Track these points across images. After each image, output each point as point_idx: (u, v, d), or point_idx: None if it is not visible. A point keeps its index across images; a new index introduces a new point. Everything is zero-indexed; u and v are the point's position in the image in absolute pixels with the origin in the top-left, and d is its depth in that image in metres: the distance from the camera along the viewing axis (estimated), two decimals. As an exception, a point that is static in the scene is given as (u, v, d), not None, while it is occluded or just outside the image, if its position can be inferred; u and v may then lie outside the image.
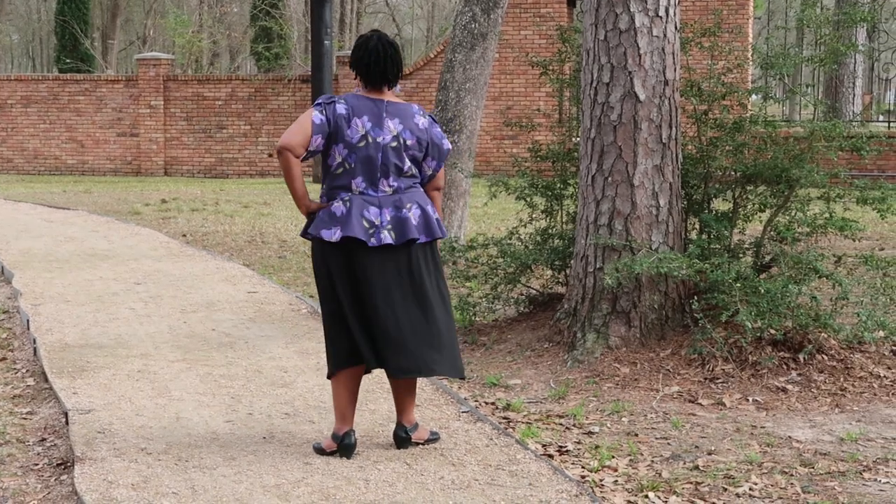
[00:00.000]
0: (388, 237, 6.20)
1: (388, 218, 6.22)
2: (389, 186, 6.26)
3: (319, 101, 6.31)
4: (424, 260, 6.36)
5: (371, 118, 6.22)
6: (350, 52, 6.30)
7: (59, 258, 13.93)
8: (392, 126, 6.25)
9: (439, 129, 6.46)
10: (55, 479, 6.19)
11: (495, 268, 9.82)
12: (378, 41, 6.30)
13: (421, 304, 6.30)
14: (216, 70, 43.87)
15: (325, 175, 6.36)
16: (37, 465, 6.46)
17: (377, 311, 6.21)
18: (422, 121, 6.37)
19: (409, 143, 6.28)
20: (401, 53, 6.41)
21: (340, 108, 6.22)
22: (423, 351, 6.25)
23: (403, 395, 6.45)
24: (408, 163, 6.30)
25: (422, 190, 6.42)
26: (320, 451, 6.32)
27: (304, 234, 6.37)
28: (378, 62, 6.26)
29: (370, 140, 6.20)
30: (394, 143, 6.24)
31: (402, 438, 6.41)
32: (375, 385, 7.70)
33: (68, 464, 6.35)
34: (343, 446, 6.26)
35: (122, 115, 30.14)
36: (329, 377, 6.41)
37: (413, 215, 6.27)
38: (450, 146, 6.55)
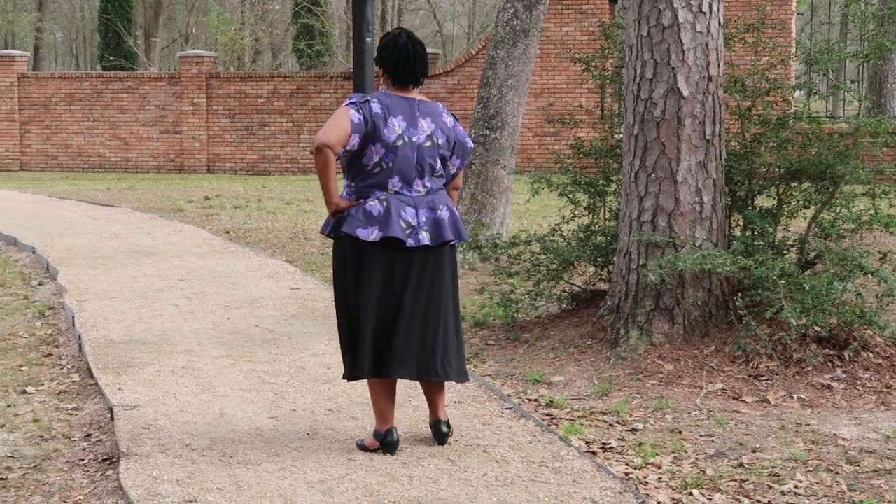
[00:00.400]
0: (425, 238, 6.23)
1: (424, 219, 6.24)
2: (424, 187, 6.30)
3: (353, 99, 6.27)
4: (450, 262, 6.40)
5: (406, 117, 6.25)
6: (379, 48, 6.27)
7: (103, 255, 14.01)
8: (425, 125, 6.29)
9: (462, 128, 6.51)
10: (101, 475, 6.23)
11: (538, 264, 9.81)
12: (407, 39, 6.33)
13: (445, 306, 6.35)
14: (258, 67, 43.99)
15: (355, 173, 6.29)
16: (82, 460, 6.50)
17: (405, 311, 6.22)
18: (448, 119, 6.42)
19: (440, 142, 6.32)
20: (426, 53, 6.45)
21: (376, 107, 6.21)
22: (444, 354, 6.31)
23: (436, 392, 6.46)
24: (439, 163, 6.35)
25: (444, 190, 6.46)
26: (363, 448, 6.33)
27: (331, 232, 6.34)
28: (408, 60, 6.29)
29: (406, 140, 6.22)
30: (428, 143, 6.28)
31: (444, 433, 6.42)
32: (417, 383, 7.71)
33: (114, 459, 6.39)
34: (386, 444, 6.27)
35: (165, 112, 30.28)
36: (349, 379, 6.43)
37: (445, 217, 6.31)
38: (472, 145, 6.61)
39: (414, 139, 6.22)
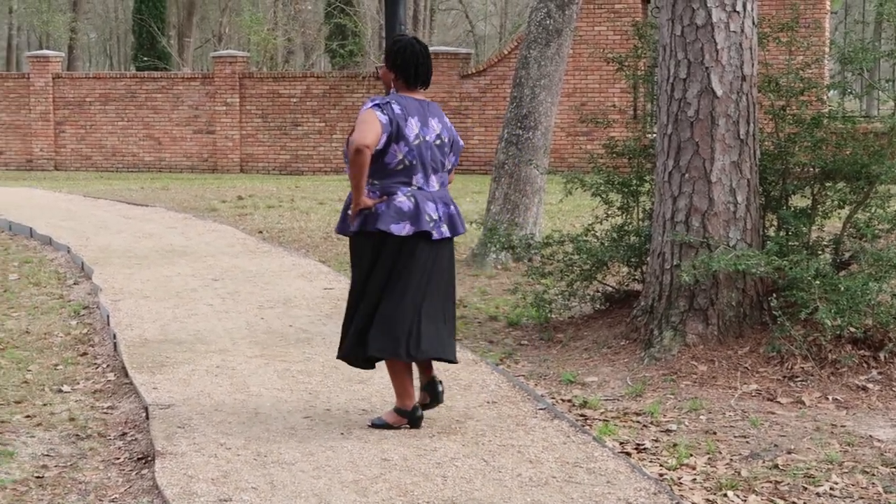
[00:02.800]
0: (446, 231, 6.71)
1: (442, 213, 6.69)
2: (438, 182, 6.75)
3: (375, 101, 6.62)
4: (454, 252, 6.96)
5: (419, 118, 6.67)
6: (394, 52, 6.59)
7: (137, 254, 14.07)
8: (434, 125, 6.75)
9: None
10: (136, 474, 6.26)
11: (571, 265, 9.80)
12: (419, 45, 6.79)
13: (454, 291, 6.97)
14: (291, 67, 44.07)
15: (375, 171, 6.61)
16: (118, 459, 6.54)
17: (431, 296, 6.68)
18: (446, 119, 6.91)
19: (445, 139, 6.80)
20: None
21: (396, 109, 6.60)
22: (448, 337, 6.82)
23: (428, 367, 6.86)
24: (446, 159, 6.82)
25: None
26: (386, 426, 6.68)
27: (360, 228, 6.63)
28: (424, 65, 6.75)
29: (422, 138, 6.64)
30: (437, 141, 6.73)
31: (439, 391, 6.86)
32: (451, 381, 7.73)
33: (149, 458, 6.42)
34: (415, 419, 6.71)
35: (198, 112, 30.37)
36: (405, 359, 6.72)
37: (454, 211, 6.81)
38: (463, 143, 7.23)
39: (427, 138, 6.67)
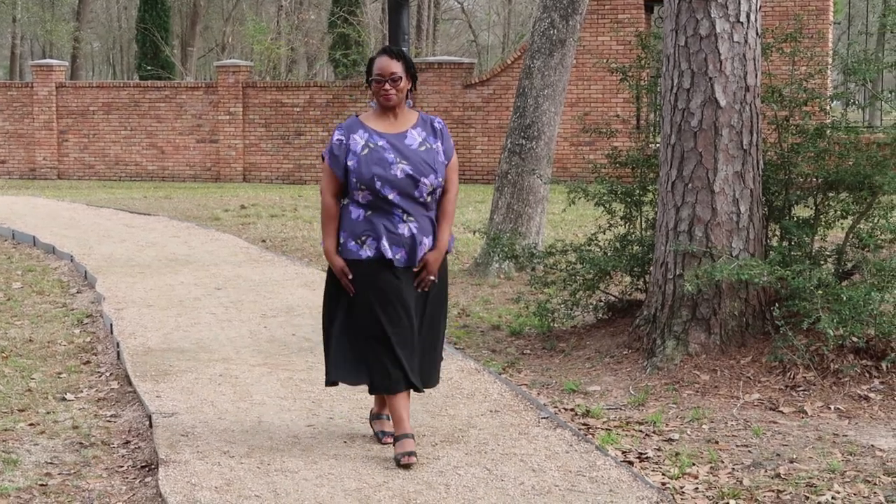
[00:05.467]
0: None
1: None
2: None
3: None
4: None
5: None
6: (409, 63, 6.50)
7: (140, 263, 14.10)
8: None
9: None
10: (139, 482, 6.27)
11: (574, 274, 9.82)
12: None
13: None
14: (294, 77, 44.14)
15: None
16: (121, 467, 6.56)
17: None
18: None
19: None
20: None
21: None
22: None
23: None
24: None
25: None
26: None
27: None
28: None
29: None
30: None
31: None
32: (454, 390, 7.75)
33: (152, 466, 6.44)
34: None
35: (201, 121, 30.43)
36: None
37: None
38: None
39: None
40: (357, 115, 6.45)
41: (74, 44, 54.28)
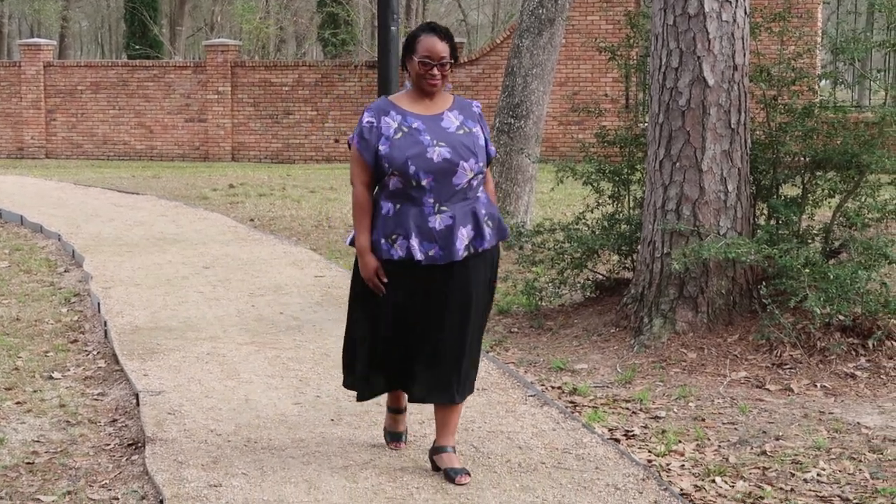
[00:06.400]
0: None
1: None
2: None
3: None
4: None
5: None
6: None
7: (128, 242, 14.08)
8: None
9: None
10: (126, 459, 6.27)
11: (562, 253, 9.83)
12: None
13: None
14: (283, 56, 44.03)
15: None
16: (108, 445, 6.56)
17: None
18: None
19: None
20: None
21: None
22: None
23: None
24: None
25: None
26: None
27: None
28: None
29: None
30: None
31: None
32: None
33: (139, 444, 6.44)
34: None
35: (189, 100, 30.35)
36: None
37: None
38: None
39: None
40: (387, 97, 5.83)
41: (62, 23, 54.13)
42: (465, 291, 5.65)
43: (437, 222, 5.58)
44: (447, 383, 5.69)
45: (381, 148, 5.60)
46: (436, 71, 5.62)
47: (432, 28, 5.71)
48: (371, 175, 5.69)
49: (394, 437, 6.19)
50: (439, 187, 5.58)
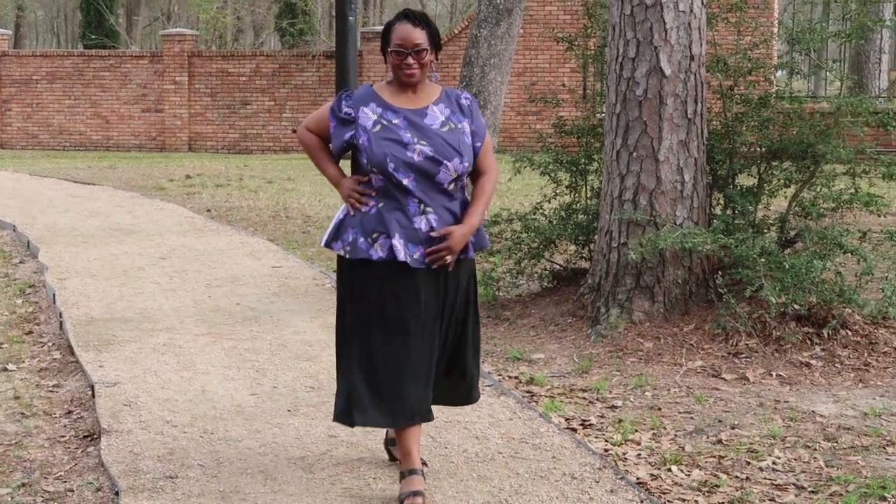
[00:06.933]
0: None
1: None
2: None
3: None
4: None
5: None
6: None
7: (84, 233, 14.00)
8: None
9: None
10: (81, 451, 6.24)
11: (519, 243, 9.84)
12: None
13: None
14: (240, 46, 43.87)
15: None
16: (63, 437, 6.52)
17: None
18: None
19: None
20: None
21: None
22: None
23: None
24: None
25: None
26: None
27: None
28: None
29: None
30: None
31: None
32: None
33: (94, 436, 6.41)
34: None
35: (146, 91, 30.21)
36: None
37: None
38: None
39: None
40: (371, 85, 5.39)
41: (18, 12, 53.71)
42: (445, 300, 5.28)
43: (423, 223, 5.16)
44: (426, 399, 5.29)
45: (360, 141, 5.18)
46: (411, 60, 5.19)
47: (406, 15, 5.29)
48: (325, 138, 5.38)
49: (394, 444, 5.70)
50: (422, 187, 5.15)
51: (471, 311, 5.45)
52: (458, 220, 5.24)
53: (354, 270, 5.22)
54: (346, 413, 5.28)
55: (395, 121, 5.20)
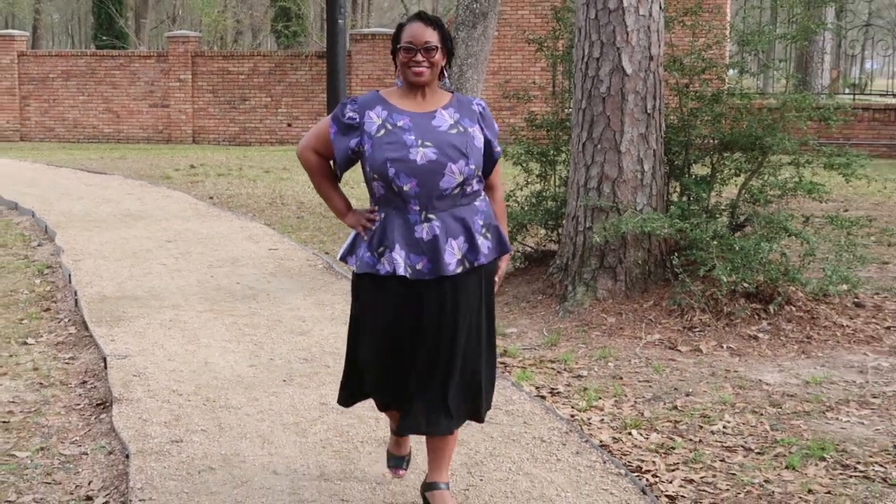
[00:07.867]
0: None
1: None
2: None
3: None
4: None
5: None
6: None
7: (97, 218, 13.95)
8: None
9: None
10: (95, 418, 6.24)
11: (494, 227, 9.82)
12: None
13: None
14: (240, 47, 43.69)
15: None
16: (78, 405, 6.51)
17: None
18: None
19: None
20: None
21: None
22: None
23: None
24: None
25: None
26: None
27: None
28: None
29: None
30: None
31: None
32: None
33: (107, 404, 6.40)
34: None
35: (153, 87, 30.06)
36: None
37: None
38: None
39: None
40: (377, 91, 4.66)
41: (35, 15, 53.39)
42: (453, 312, 4.56)
43: (424, 232, 4.50)
44: (437, 412, 4.63)
45: (364, 148, 4.52)
46: (420, 57, 4.50)
47: (418, 15, 4.64)
48: (327, 161, 4.74)
49: (396, 461, 5.15)
50: (425, 192, 4.46)
51: (483, 316, 4.70)
52: (466, 227, 4.56)
53: (363, 283, 4.62)
54: (346, 401, 4.92)
55: (401, 123, 4.52)
